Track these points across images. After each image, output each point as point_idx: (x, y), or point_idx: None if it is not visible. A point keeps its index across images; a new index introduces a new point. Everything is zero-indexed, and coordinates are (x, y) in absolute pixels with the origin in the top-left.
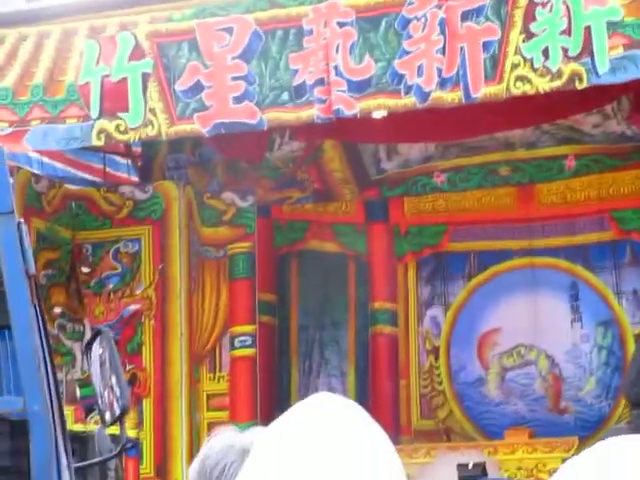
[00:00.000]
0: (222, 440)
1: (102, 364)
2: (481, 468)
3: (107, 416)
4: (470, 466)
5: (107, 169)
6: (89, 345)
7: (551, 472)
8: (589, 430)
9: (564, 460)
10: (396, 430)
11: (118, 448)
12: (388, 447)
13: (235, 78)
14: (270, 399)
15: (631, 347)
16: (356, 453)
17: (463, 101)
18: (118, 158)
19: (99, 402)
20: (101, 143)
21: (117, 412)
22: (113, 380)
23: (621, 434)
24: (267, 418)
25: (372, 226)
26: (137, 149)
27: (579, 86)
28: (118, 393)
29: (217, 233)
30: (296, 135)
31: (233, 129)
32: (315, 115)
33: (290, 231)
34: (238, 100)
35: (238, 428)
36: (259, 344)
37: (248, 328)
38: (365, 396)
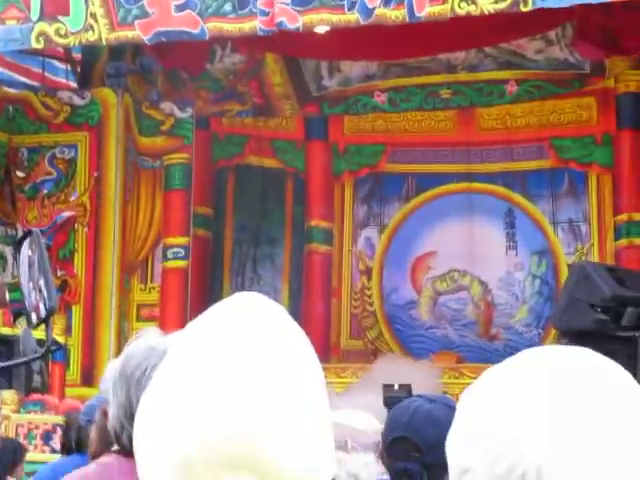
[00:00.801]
0: (145, 342)
1: (31, 265)
2: (407, 390)
3: (33, 317)
4: (396, 387)
5: (46, 73)
6: (18, 245)
7: None
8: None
9: None
10: (325, 349)
11: (43, 349)
12: (310, 355)
13: None
14: (200, 312)
15: (563, 276)
16: (276, 356)
17: (407, 19)
18: (57, 63)
19: (26, 303)
20: (40, 46)
21: (43, 314)
22: (41, 282)
23: None
24: None
25: (311, 143)
26: (77, 55)
27: (524, 9)
28: (45, 295)
29: (154, 143)
30: (238, 47)
31: (174, 38)
32: (257, 27)
33: (229, 145)
34: (180, 8)
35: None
36: (192, 256)
37: (181, 240)
38: (297, 314)
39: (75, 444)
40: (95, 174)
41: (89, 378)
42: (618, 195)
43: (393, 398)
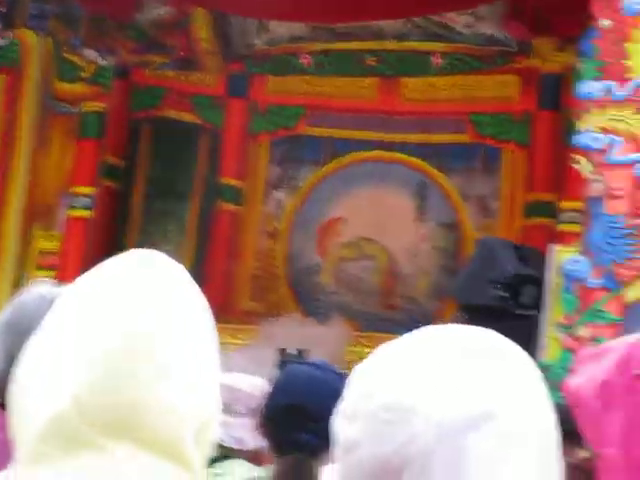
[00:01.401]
0: (37, 291)
1: None
2: (304, 355)
3: None
4: (293, 351)
5: None
6: None
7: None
8: (415, 328)
9: None
10: (226, 309)
11: None
12: (203, 313)
13: None
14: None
15: (470, 252)
16: (165, 310)
17: None
18: None
19: None
20: None
21: None
22: None
23: None
24: None
25: (231, 100)
26: None
27: None
28: None
29: (72, 89)
30: None
31: None
32: None
33: (147, 96)
34: None
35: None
36: (98, 207)
37: (89, 190)
38: (200, 272)
39: None
40: (7, 115)
41: None
42: (530, 175)
43: (288, 362)
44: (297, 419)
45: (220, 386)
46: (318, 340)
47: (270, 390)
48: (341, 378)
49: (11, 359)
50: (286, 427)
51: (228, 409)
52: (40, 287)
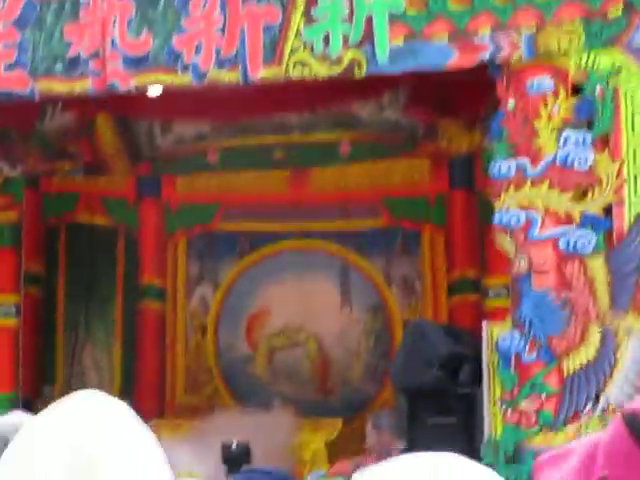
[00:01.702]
0: None
1: None
2: (245, 448)
3: None
4: (234, 446)
5: None
6: None
7: (314, 452)
8: (354, 411)
9: (327, 441)
10: (160, 405)
11: None
12: (154, 451)
13: (7, 45)
14: (33, 371)
15: (399, 332)
16: (114, 458)
17: (241, 82)
18: None
19: None
20: None
21: None
22: None
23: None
24: (30, 389)
25: (143, 201)
26: None
27: (358, 74)
28: None
29: None
30: (68, 107)
31: (3, 98)
32: (89, 88)
33: (59, 203)
34: (10, 67)
35: None
36: (23, 315)
37: (12, 298)
38: (131, 370)
39: None
40: None
41: None
42: (451, 253)
43: (232, 460)
44: None
45: None
46: (263, 429)
47: None
48: None
49: None
50: None
51: None
52: None
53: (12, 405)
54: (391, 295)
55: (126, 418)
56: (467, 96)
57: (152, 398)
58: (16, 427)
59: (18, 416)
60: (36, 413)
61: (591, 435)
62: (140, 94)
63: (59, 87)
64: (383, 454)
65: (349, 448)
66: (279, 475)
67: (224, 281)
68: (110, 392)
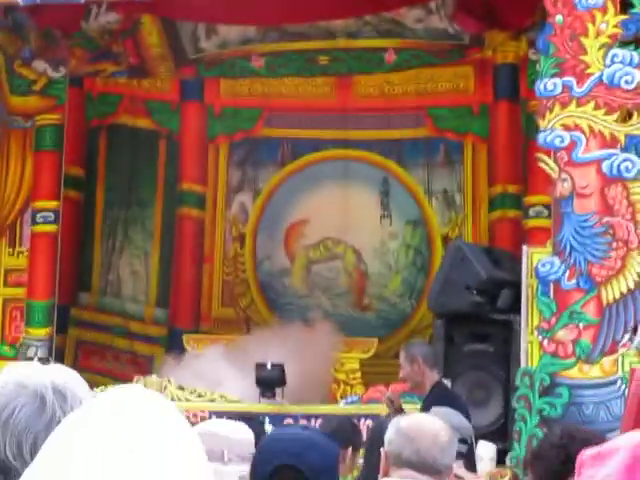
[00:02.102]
0: (14, 379)
1: None
2: (280, 370)
3: None
4: (269, 366)
5: None
6: None
7: (348, 372)
8: (390, 329)
9: (362, 360)
10: (196, 317)
11: None
12: (195, 451)
13: None
14: (71, 277)
15: (438, 248)
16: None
17: None
18: None
19: None
20: None
21: None
22: None
23: (419, 347)
24: (66, 297)
25: (186, 105)
26: None
27: None
28: None
29: (26, 103)
30: (114, 6)
31: (49, 0)
32: None
33: (102, 104)
34: None
35: (35, 365)
36: (62, 220)
37: (51, 204)
38: (168, 279)
39: None
40: None
41: None
42: (493, 166)
43: (266, 377)
44: (299, 479)
45: (209, 434)
46: (303, 345)
47: (259, 452)
48: (324, 435)
49: None
50: None
51: (219, 457)
52: (18, 374)
53: (49, 312)
54: (431, 209)
55: (171, 413)
56: (514, 6)
57: (188, 310)
58: (52, 384)
59: (57, 370)
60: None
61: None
62: None
63: None
64: (418, 384)
65: (383, 368)
66: (314, 429)
67: (264, 189)
68: (146, 302)
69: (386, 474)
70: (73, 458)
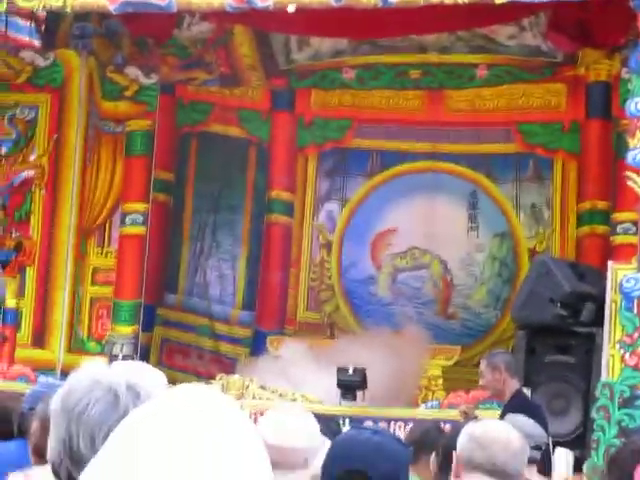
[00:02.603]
0: (89, 375)
1: None
2: (361, 374)
3: None
4: (351, 371)
5: (8, 31)
6: None
7: (430, 378)
8: (473, 338)
9: (444, 368)
10: (281, 320)
11: None
12: (258, 453)
13: None
14: (157, 278)
15: (524, 261)
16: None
17: (380, 4)
18: (21, 20)
19: None
20: (2, 9)
21: None
22: None
23: (501, 356)
24: (153, 298)
25: (277, 114)
26: (42, 13)
27: (497, 0)
28: None
29: (117, 108)
30: (207, 17)
31: (141, 9)
32: (227, 3)
33: (193, 111)
34: None
35: (112, 363)
36: (151, 222)
37: (140, 206)
38: (254, 283)
39: (17, 430)
40: (54, 136)
41: (40, 340)
42: (583, 182)
43: (347, 383)
44: None
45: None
46: (392, 351)
47: (330, 456)
48: (396, 442)
49: (64, 443)
50: None
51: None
52: (93, 370)
53: (135, 311)
54: (518, 222)
55: (236, 413)
56: (608, 24)
57: (273, 313)
58: (126, 381)
59: (130, 367)
60: (158, 319)
61: None
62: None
63: (197, 0)
64: (498, 392)
65: (465, 375)
66: (386, 431)
67: (352, 198)
68: (233, 304)
69: (457, 476)
70: (137, 451)
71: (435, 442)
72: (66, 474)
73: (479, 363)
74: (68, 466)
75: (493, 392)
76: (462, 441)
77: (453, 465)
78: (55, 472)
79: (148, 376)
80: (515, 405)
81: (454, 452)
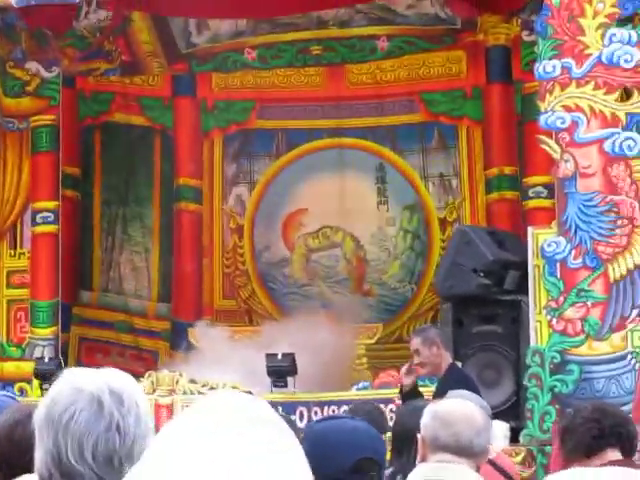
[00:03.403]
0: (69, 384)
1: None
2: (290, 359)
3: None
4: (279, 356)
5: None
6: None
7: (354, 358)
8: (392, 313)
9: (368, 346)
10: (198, 309)
11: None
12: (296, 452)
13: None
14: (72, 276)
15: (436, 232)
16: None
17: None
18: None
19: None
20: None
21: None
22: None
23: (432, 331)
24: (68, 295)
25: (179, 100)
26: None
27: None
28: None
29: (20, 104)
30: (104, 4)
31: (43, 1)
32: None
33: (95, 102)
34: None
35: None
36: (62, 220)
37: (51, 204)
38: (169, 274)
39: None
40: None
41: None
42: (488, 149)
43: (277, 368)
44: (377, 470)
45: None
46: (320, 333)
47: (341, 449)
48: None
49: (52, 455)
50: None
51: None
52: (73, 378)
53: (53, 311)
54: (428, 193)
55: (274, 416)
56: None
57: (190, 303)
58: (109, 387)
59: (112, 374)
60: (74, 318)
61: None
62: None
63: None
64: (436, 367)
65: (387, 352)
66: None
67: (261, 180)
68: (149, 297)
69: (424, 459)
70: (173, 464)
71: (379, 423)
72: None
73: (400, 339)
74: (57, 478)
75: (431, 368)
76: (425, 421)
77: (419, 447)
78: None
79: (128, 381)
80: (453, 379)
81: (418, 435)
